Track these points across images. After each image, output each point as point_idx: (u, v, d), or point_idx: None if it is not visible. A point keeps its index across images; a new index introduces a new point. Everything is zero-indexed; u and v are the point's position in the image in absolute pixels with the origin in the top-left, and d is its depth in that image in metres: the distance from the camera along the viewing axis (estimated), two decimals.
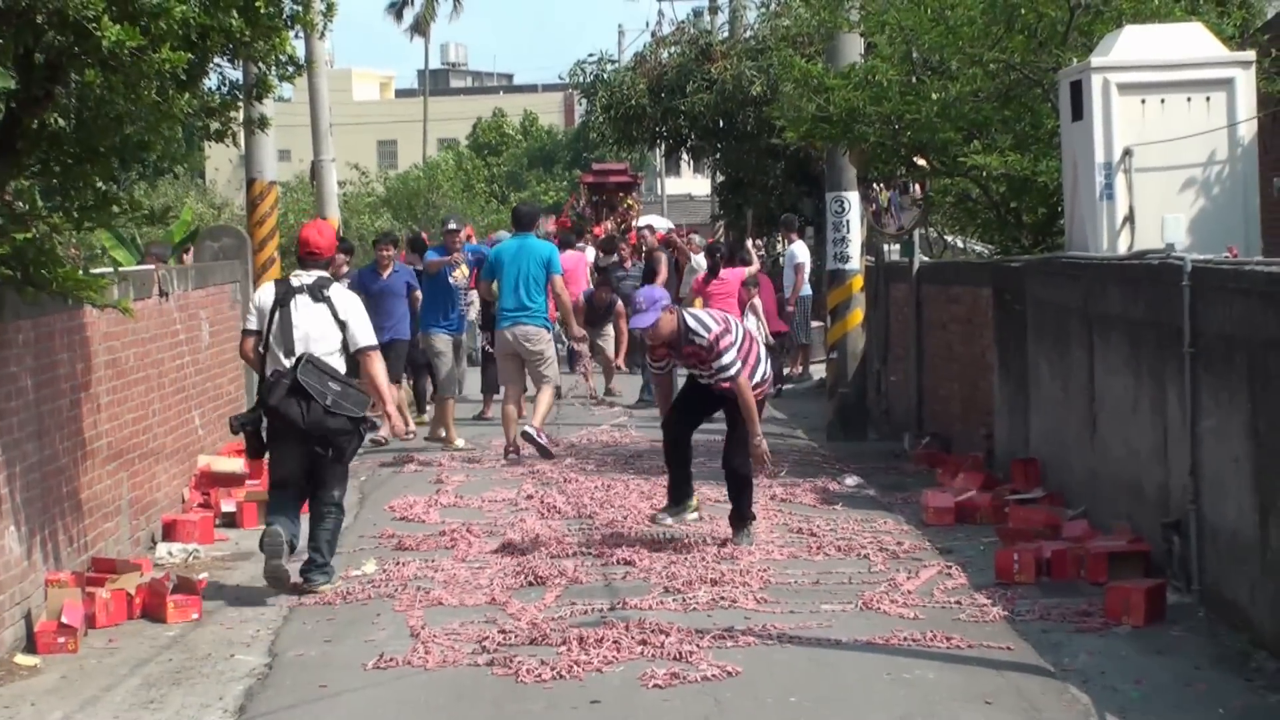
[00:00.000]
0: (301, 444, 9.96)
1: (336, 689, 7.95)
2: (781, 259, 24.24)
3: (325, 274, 10.40)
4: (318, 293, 10.19)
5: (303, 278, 10.30)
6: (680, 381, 11.57)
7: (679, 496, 11.41)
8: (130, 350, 11.26)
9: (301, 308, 10.13)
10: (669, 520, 11.37)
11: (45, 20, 8.03)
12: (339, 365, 10.15)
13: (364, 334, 10.25)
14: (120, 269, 11.48)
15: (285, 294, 10.20)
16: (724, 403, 11.02)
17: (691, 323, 10.72)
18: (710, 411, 11.40)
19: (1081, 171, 11.68)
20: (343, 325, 10.16)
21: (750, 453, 10.90)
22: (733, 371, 10.66)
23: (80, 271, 9.08)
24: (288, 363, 9.99)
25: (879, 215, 17.58)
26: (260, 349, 10.16)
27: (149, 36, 8.07)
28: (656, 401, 12.12)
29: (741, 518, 11.18)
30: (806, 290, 22.69)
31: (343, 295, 10.37)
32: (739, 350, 10.73)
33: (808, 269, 22.55)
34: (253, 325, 10.27)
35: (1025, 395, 12.55)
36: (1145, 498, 9.84)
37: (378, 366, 10.38)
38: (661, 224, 34.22)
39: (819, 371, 21.44)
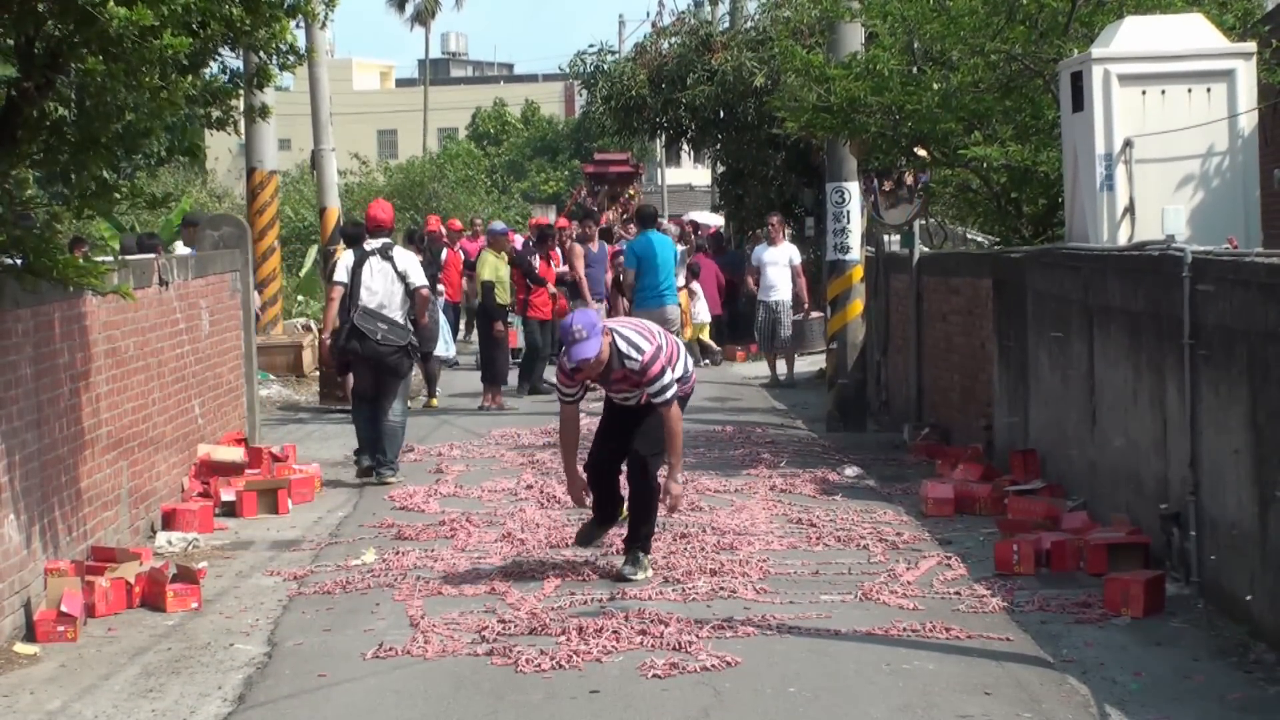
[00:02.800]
0: (368, 368, 13.53)
1: (336, 678, 7.96)
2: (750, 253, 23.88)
3: (389, 240, 13.82)
4: (385, 255, 13.57)
5: (373, 244, 13.72)
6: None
7: (596, 527, 10.29)
8: (130, 339, 11.25)
9: (374, 268, 13.51)
10: (584, 551, 10.41)
11: (46, 9, 8.02)
12: (400, 312, 13.48)
13: (417, 278, 13.65)
14: (120, 257, 11.48)
15: (361, 257, 13.60)
16: (649, 413, 9.84)
17: (623, 345, 9.59)
18: (629, 440, 10.01)
19: (1082, 162, 11.67)
20: (402, 275, 13.49)
21: (665, 496, 9.89)
22: (668, 395, 9.62)
23: (80, 259, 9.08)
24: (353, 314, 13.38)
25: (878, 206, 17.56)
26: (345, 298, 13.50)
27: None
28: (561, 442, 10.25)
29: (636, 536, 10.00)
30: (786, 296, 22.24)
31: (402, 254, 13.76)
32: (669, 365, 9.70)
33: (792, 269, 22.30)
34: (342, 278, 13.61)
35: (1025, 386, 12.55)
36: (1144, 489, 9.84)
37: (423, 302, 13.81)
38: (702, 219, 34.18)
39: (819, 362, 21.41)
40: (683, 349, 10.08)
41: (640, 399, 9.81)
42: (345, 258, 13.84)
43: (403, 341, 13.48)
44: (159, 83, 8.45)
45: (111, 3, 7.81)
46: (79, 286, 9.24)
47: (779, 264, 22.29)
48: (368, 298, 13.44)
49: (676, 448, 9.75)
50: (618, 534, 10.38)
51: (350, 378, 14.37)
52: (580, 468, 10.14)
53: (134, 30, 7.81)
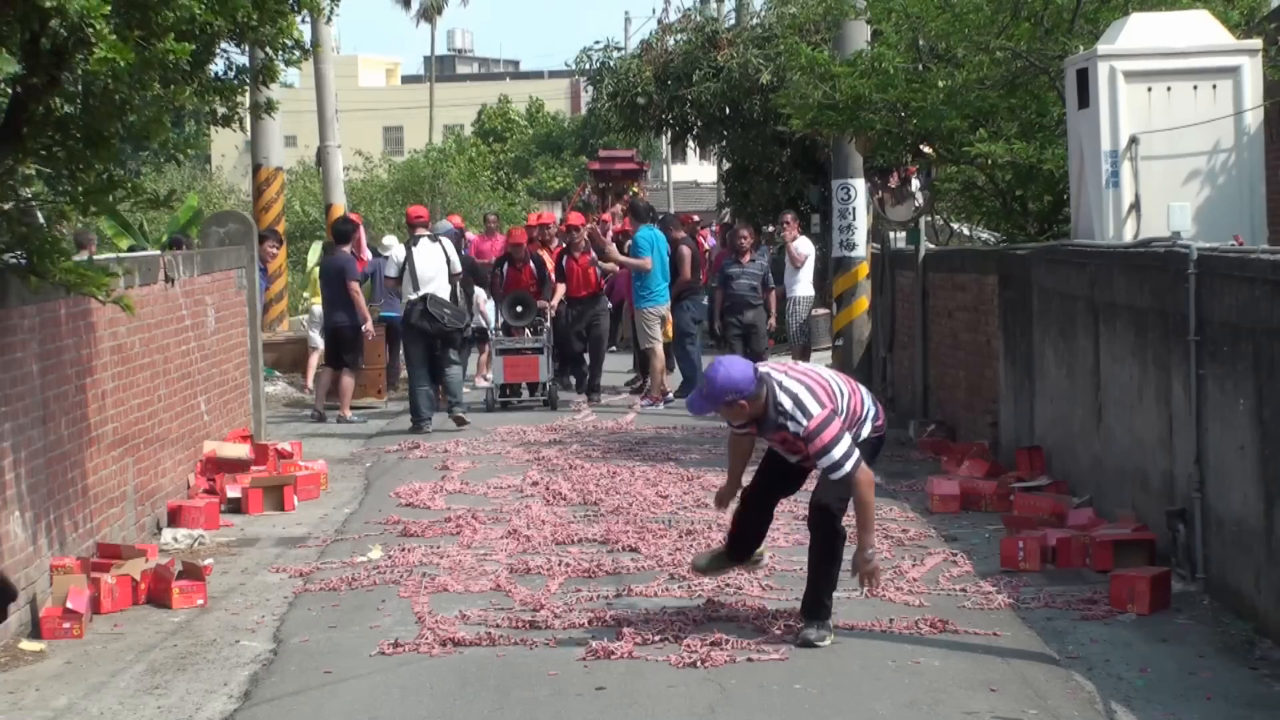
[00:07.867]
0: (428, 341, 16.85)
1: (341, 675, 7.96)
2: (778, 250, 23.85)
3: (429, 232, 17.42)
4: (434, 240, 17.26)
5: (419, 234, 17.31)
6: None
7: (724, 559, 8.99)
8: (135, 336, 11.26)
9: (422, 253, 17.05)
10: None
11: (51, 6, 8.00)
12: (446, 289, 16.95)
13: (455, 264, 17.20)
14: (124, 255, 11.47)
15: (409, 245, 17.22)
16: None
17: (786, 402, 8.07)
18: (799, 483, 8.88)
19: (1087, 159, 11.67)
20: (448, 260, 17.04)
21: (856, 565, 8.34)
22: (845, 469, 8.04)
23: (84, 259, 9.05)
24: (414, 295, 16.81)
25: (884, 202, 17.55)
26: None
27: (150, 29, 8.03)
28: (729, 450, 8.98)
29: (815, 604, 8.42)
30: (809, 291, 21.98)
31: (445, 243, 17.20)
32: (847, 428, 8.14)
33: (812, 265, 22.06)
34: (391, 273, 17.60)
35: (1030, 383, 12.54)
36: (1150, 486, 9.83)
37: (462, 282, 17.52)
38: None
39: (826, 358, 21.38)
40: (865, 392, 8.55)
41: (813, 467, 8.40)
42: (395, 253, 17.52)
43: (460, 324, 17.02)
44: (160, 87, 8.44)
45: (104, 28, 7.75)
46: (80, 293, 9.19)
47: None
48: (427, 282, 16.80)
49: (867, 518, 8.21)
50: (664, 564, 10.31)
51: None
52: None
53: (122, 66, 7.78)
